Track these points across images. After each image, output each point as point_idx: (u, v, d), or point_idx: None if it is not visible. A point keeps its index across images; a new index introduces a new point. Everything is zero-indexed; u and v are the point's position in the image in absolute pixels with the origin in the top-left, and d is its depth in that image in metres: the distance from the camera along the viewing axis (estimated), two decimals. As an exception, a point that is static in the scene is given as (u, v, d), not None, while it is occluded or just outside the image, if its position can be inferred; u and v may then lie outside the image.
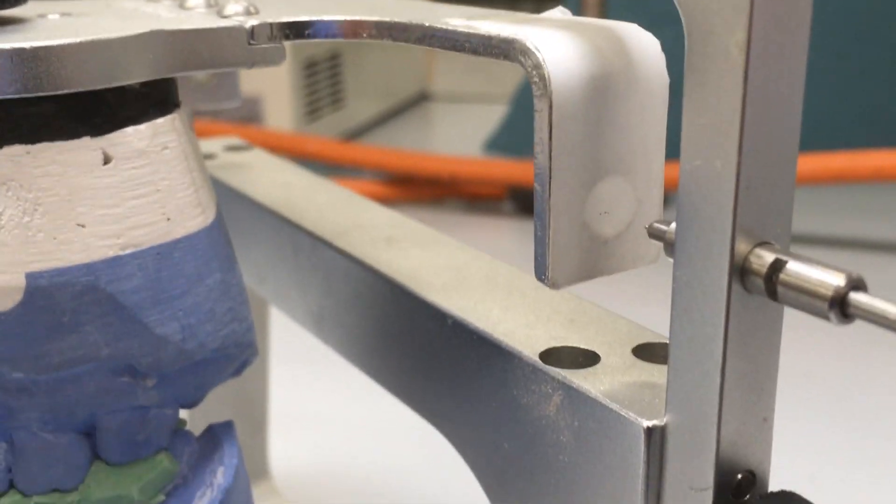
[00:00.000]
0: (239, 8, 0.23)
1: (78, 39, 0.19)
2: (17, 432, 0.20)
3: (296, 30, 0.22)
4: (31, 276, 0.19)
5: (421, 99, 1.35)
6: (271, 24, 0.22)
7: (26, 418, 0.20)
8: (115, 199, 0.20)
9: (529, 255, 0.18)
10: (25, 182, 0.19)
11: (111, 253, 0.20)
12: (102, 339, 0.20)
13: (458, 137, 1.17)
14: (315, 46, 1.01)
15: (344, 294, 0.27)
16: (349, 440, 0.49)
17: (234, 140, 0.40)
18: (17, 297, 0.19)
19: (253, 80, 0.96)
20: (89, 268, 0.19)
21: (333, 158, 0.91)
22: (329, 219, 0.29)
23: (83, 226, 0.19)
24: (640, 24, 0.18)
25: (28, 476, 0.21)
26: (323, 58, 1.05)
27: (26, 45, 0.18)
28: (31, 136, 0.19)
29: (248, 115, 0.99)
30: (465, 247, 0.27)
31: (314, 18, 0.22)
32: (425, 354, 0.24)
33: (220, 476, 0.23)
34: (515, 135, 1.03)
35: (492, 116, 1.11)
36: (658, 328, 0.21)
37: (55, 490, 0.21)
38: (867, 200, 0.85)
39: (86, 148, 0.19)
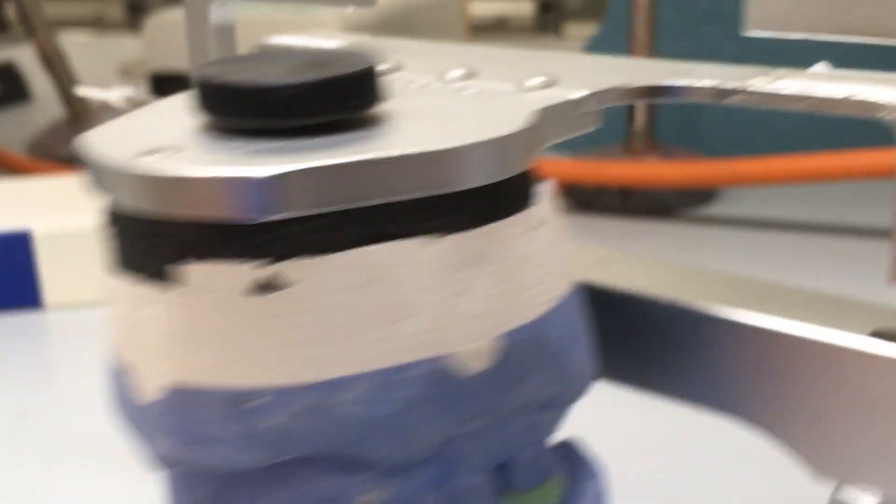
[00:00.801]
0: (543, 79, 0.26)
1: (483, 137, 0.21)
2: (457, 479, 0.23)
3: (648, 94, 0.25)
4: (499, 339, 0.22)
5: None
6: (598, 93, 0.26)
7: (467, 466, 0.23)
8: (540, 263, 0.23)
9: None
10: (491, 256, 0.22)
11: (548, 308, 0.23)
12: (538, 384, 0.23)
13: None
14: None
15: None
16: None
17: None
18: (489, 359, 0.22)
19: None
20: (535, 323, 0.23)
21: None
22: None
23: (528, 288, 0.23)
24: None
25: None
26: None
27: (430, 148, 0.21)
28: (489, 217, 0.22)
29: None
30: (674, 263, 0.28)
31: (661, 84, 0.25)
32: (733, 363, 0.27)
33: (587, 490, 0.27)
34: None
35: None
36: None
37: None
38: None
39: (520, 221, 0.23)
